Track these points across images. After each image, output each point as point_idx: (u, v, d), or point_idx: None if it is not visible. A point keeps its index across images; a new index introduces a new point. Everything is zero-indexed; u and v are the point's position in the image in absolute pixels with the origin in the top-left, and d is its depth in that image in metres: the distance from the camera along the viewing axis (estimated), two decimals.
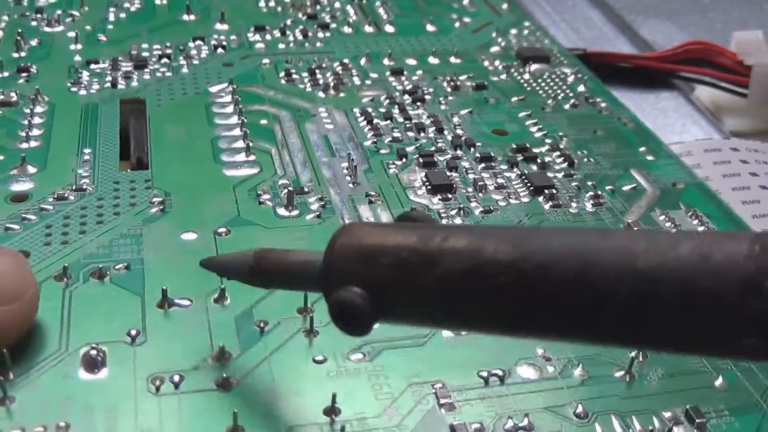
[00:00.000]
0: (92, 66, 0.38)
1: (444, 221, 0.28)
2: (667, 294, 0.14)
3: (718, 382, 0.22)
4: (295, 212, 0.28)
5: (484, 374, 0.22)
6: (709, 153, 0.35)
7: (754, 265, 0.14)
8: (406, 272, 0.17)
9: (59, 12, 0.43)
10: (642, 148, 0.33)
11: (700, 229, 0.28)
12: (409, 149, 0.32)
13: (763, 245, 0.14)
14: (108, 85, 0.36)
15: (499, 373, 0.22)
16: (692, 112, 0.41)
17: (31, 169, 0.30)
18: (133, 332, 0.23)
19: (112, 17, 0.43)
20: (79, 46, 0.40)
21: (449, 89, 0.37)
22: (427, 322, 0.18)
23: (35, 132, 0.32)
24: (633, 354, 0.23)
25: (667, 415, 0.21)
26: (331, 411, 0.21)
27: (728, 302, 0.14)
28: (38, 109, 0.34)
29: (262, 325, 0.23)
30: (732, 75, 0.39)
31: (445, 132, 0.33)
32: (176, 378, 0.21)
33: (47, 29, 0.41)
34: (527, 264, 0.16)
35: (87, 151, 0.31)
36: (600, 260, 0.15)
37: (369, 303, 0.18)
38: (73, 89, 0.36)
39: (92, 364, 0.22)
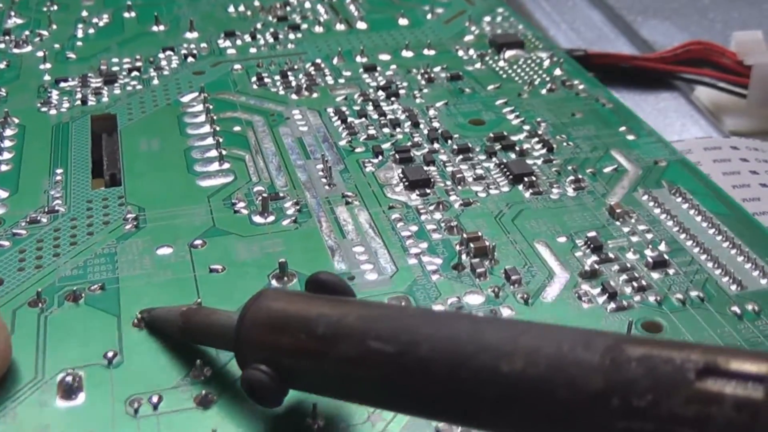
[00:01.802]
0: (61, 84, 0.37)
1: (423, 217, 0.28)
2: (526, 400, 0.15)
3: None
4: (270, 218, 0.28)
5: None
6: (708, 151, 0.35)
7: (603, 380, 0.15)
8: (305, 353, 0.18)
9: (27, 32, 0.42)
10: (622, 128, 0.33)
11: (684, 207, 0.28)
12: (385, 146, 0.32)
13: (613, 359, 0.15)
14: (78, 102, 0.36)
15: None
16: (692, 112, 0.41)
17: (3, 194, 0.29)
18: (110, 354, 0.22)
19: (80, 33, 0.43)
20: (48, 66, 0.39)
21: (423, 82, 0.36)
22: (330, 395, 0.19)
23: (5, 156, 0.32)
24: None
25: None
26: (314, 421, 0.20)
27: (581, 415, 0.15)
28: (8, 132, 0.33)
29: None
30: (732, 75, 0.39)
31: (421, 126, 0.33)
32: (155, 399, 0.21)
33: (15, 50, 0.41)
34: (408, 357, 0.17)
35: (59, 171, 0.31)
36: (471, 359, 0.16)
37: (276, 380, 0.19)
38: (43, 109, 0.35)
39: (69, 390, 0.21)
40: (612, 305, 0.24)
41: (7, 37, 0.42)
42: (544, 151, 0.31)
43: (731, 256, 0.26)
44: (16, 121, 0.34)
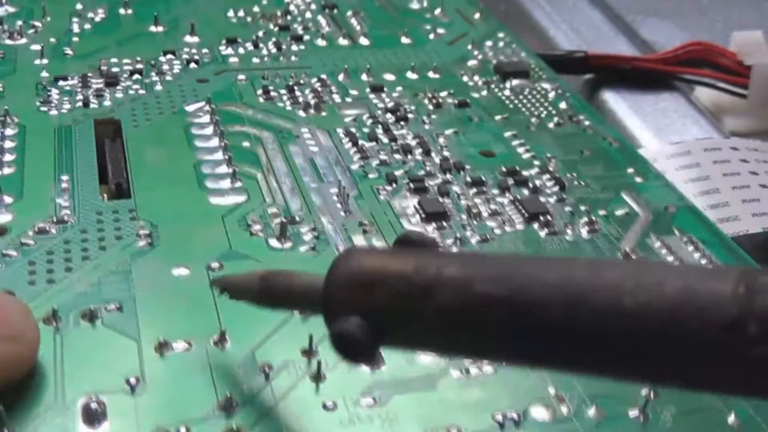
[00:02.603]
0: (61, 83, 0.36)
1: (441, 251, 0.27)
2: (652, 334, 0.15)
3: (731, 419, 0.22)
4: (288, 244, 0.27)
5: (499, 417, 0.22)
6: (708, 152, 0.35)
7: (738, 307, 0.14)
8: (402, 304, 0.17)
9: (20, 23, 0.41)
10: (630, 170, 0.33)
11: (696, 255, 0.28)
12: (398, 173, 0.31)
13: (748, 285, 0.14)
14: (80, 104, 0.35)
15: (515, 416, 0.22)
16: (692, 112, 0.41)
17: (8, 199, 0.29)
18: (132, 380, 0.22)
19: (76, 28, 0.42)
20: (45, 61, 0.38)
21: (431, 107, 0.36)
22: (427, 349, 0.19)
23: (8, 157, 0.31)
24: (645, 392, 0.23)
25: None
26: None
27: (712, 345, 0.14)
28: (8, 131, 0.32)
29: (267, 369, 0.22)
30: (732, 76, 0.40)
31: (433, 154, 0.33)
32: (183, 430, 0.21)
33: (9, 42, 0.40)
34: (518, 300, 0.16)
35: (65, 178, 0.30)
36: (588, 298, 0.15)
37: (368, 333, 0.18)
38: (43, 108, 0.34)
39: (93, 417, 0.21)
40: None
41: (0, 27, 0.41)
42: (556, 189, 0.31)
43: None
44: (16, 120, 0.33)
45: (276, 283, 0.21)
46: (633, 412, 0.22)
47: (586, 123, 0.36)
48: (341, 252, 0.19)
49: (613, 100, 0.43)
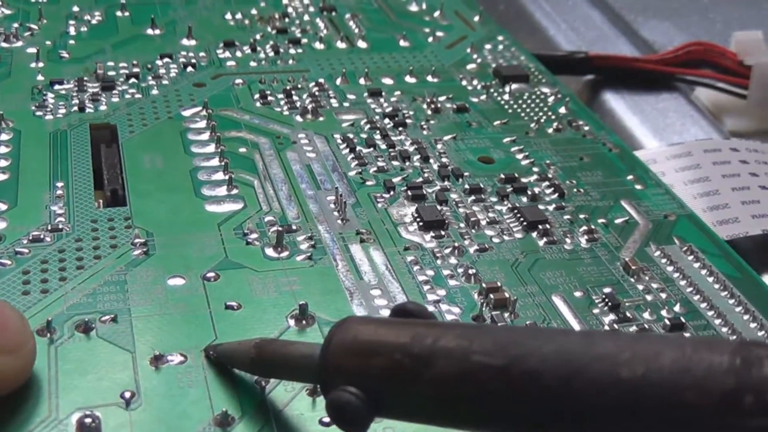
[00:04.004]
0: (56, 87, 0.36)
1: (439, 261, 0.27)
2: (648, 406, 0.15)
3: None
4: (284, 253, 0.27)
5: None
6: (708, 153, 0.35)
7: (735, 379, 0.14)
8: (399, 374, 0.18)
9: (16, 25, 0.41)
10: (630, 177, 0.33)
11: (696, 265, 0.28)
12: (396, 180, 0.31)
13: (744, 358, 0.15)
14: (75, 108, 0.35)
15: None
16: (692, 112, 0.41)
17: (2, 206, 0.28)
18: (127, 394, 0.22)
19: (72, 31, 0.41)
20: (41, 64, 0.38)
21: (430, 112, 0.36)
22: (423, 420, 0.19)
23: (2, 163, 0.31)
24: None
25: None
26: None
27: (709, 417, 0.15)
28: (3, 137, 0.32)
29: (263, 383, 0.22)
30: (732, 76, 0.39)
31: (431, 160, 0.33)
32: None
33: (5, 44, 0.40)
34: (515, 370, 0.16)
35: (59, 184, 0.30)
36: (585, 369, 0.16)
37: (364, 403, 0.18)
38: (39, 113, 0.34)
39: None
40: None
41: None
42: (555, 196, 0.31)
43: (744, 321, 0.26)
44: (11, 124, 0.33)
45: (271, 353, 0.21)
46: None
47: (586, 128, 0.36)
48: (338, 321, 0.19)
49: (613, 100, 0.43)
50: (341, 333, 0.19)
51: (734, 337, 0.25)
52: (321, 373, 0.19)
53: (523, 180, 0.32)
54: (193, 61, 0.39)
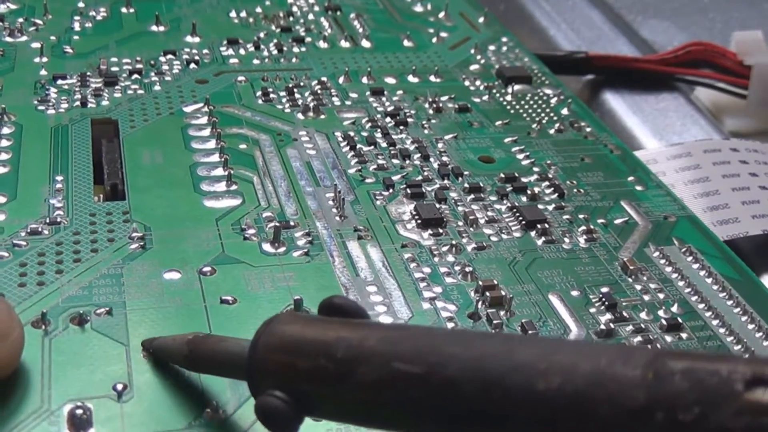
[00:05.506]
0: (59, 81, 0.36)
1: (436, 259, 0.27)
2: (564, 418, 0.15)
3: None
4: (281, 249, 0.27)
5: None
6: (708, 153, 0.35)
7: (645, 395, 0.14)
8: (323, 378, 0.18)
9: (21, 20, 0.41)
10: (630, 178, 0.32)
11: (695, 266, 0.28)
12: (396, 178, 0.31)
13: (656, 372, 0.14)
14: (77, 103, 0.35)
15: None
16: (692, 112, 0.41)
17: (1, 199, 0.28)
18: (119, 387, 0.22)
19: (77, 27, 0.41)
20: (45, 59, 0.38)
21: (431, 111, 0.36)
22: (351, 421, 0.19)
23: (3, 156, 0.31)
24: None
25: None
26: None
27: (621, 431, 0.14)
28: (5, 130, 0.32)
29: None
30: (732, 76, 0.39)
31: (431, 159, 0.33)
32: None
33: (9, 39, 0.40)
34: (435, 378, 0.16)
35: (59, 178, 0.30)
36: (503, 378, 0.16)
37: (290, 406, 0.18)
38: (41, 108, 0.34)
39: (78, 424, 0.21)
40: None
41: (0, 24, 0.41)
42: (555, 196, 0.31)
43: (742, 323, 0.26)
44: (13, 118, 0.33)
45: (203, 350, 0.21)
46: None
47: (588, 129, 0.36)
48: (267, 320, 0.19)
49: (613, 100, 0.43)
50: (268, 332, 0.19)
51: (731, 338, 0.25)
52: (249, 377, 0.19)
53: (523, 180, 0.32)
54: (197, 58, 0.39)
